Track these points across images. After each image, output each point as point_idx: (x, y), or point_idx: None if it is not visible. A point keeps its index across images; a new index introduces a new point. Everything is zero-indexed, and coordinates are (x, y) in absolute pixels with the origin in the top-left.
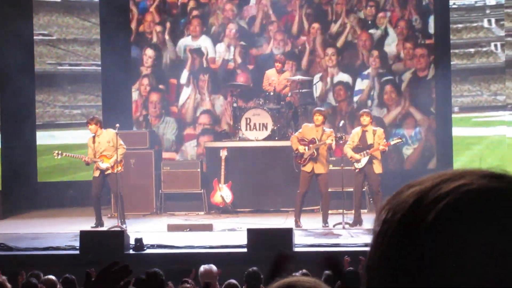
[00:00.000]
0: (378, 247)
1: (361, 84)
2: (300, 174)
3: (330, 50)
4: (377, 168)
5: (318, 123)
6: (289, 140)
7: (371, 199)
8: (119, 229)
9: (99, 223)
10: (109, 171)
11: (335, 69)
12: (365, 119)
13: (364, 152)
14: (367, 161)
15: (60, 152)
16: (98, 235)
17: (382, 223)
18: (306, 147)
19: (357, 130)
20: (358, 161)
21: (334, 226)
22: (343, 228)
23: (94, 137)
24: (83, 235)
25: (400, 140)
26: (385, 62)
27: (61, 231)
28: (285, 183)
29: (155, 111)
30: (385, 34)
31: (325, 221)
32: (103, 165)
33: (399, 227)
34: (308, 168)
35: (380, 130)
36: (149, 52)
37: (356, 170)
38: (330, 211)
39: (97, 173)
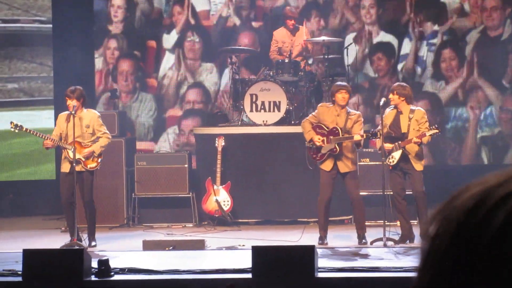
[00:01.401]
0: (428, 271)
1: (408, 47)
2: (320, 174)
3: (367, 0)
4: (416, 164)
5: (343, 103)
6: None
7: None
8: (76, 246)
9: (77, 238)
10: (80, 167)
11: (375, 27)
12: (393, 98)
13: (397, 144)
14: (401, 156)
15: (19, 124)
16: (47, 255)
17: (432, 238)
18: (325, 139)
19: (390, 111)
20: (389, 154)
21: (372, 243)
22: (385, 246)
23: (70, 115)
24: (28, 255)
25: (436, 131)
26: (443, 17)
27: None
28: (305, 184)
29: (127, 85)
30: None
31: (361, 236)
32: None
33: (456, 240)
34: (327, 166)
35: (419, 112)
36: (118, 1)
37: (389, 168)
38: (367, 223)
39: (66, 167)
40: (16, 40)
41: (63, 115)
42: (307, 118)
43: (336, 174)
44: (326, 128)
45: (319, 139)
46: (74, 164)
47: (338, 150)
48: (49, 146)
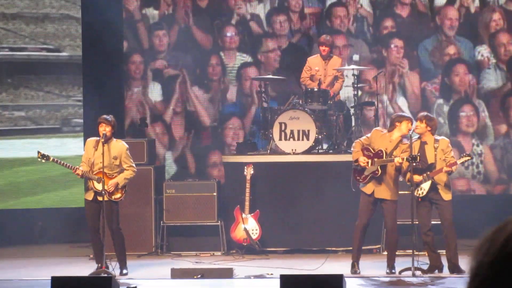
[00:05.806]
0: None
1: None
2: (360, 197)
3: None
4: (446, 194)
5: (406, 133)
6: (339, 153)
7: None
8: (104, 274)
9: (101, 266)
10: (105, 197)
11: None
12: (420, 126)
13: (425, 174)
14: (430, 186)
15: (45, 154)
16: (76, 283)
17: (481, 264)
18: (370, 161)
19: (414, 142)
20: (418, 186)
21: (400, 272)
22: (413, 275)
23: (99, 142)
24: (56, 283)
25: (468, 158)
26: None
27: (26, 278)
28: (334, 212)
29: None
30: None
31: (390, 265)
32: (99, 186)
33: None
34: (368, 189)
35: (444, 142)
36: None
37: (418, 200)
38: (396, 252)
39: (90, 195)
40: (23, 68)
41: (91, 140)
42: (360, 139)
43: (375, 200)
44: (372, 151)
45: (364, 160)
46: (103, 193)
47: (379, 172)
48: (83, 176)
